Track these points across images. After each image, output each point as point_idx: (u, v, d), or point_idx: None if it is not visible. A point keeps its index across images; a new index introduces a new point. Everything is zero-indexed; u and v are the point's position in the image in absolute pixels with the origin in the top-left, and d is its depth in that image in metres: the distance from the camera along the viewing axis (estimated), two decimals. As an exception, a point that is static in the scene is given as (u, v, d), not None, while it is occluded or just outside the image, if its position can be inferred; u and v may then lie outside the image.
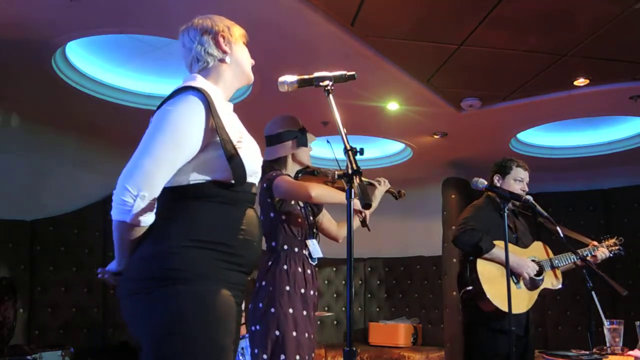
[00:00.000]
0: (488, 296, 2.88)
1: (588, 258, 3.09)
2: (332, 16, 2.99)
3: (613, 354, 2.72)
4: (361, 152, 1.65)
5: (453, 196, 5.64)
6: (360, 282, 6.61)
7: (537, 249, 3.18)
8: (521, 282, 3.01)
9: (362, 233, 2.51)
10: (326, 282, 6.49)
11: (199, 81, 1.64)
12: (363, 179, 2.66)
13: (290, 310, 2.40)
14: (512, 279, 2.98)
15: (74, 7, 2.82)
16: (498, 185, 3.15)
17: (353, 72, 1.82)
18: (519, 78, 3.80)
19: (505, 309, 2.69)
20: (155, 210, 1.52)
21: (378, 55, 3.41)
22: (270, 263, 2.46)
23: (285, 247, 2.49)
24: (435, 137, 4.92)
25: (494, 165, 3.26)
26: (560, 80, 3.78)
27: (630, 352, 2.71)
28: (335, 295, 6.53)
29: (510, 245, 3.04)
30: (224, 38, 1.69)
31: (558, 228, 2.98)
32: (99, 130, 4.83)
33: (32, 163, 4.66)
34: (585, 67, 3.60)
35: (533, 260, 3.06)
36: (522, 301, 2.98)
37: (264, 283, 2.45)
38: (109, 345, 4.88)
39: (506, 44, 3.31)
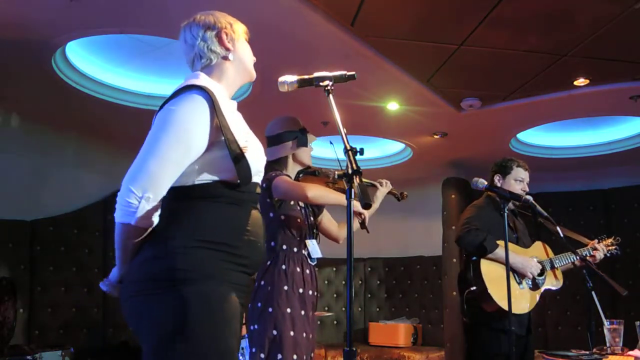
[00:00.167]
0: (492, 296, 2.88)
1: (587, 258, 3.09)
2: (332, 16, 2.99)
3: (613, 354, 2.72)
4: (361, 152, 1.65)
5: (453, 196, 5.64)
6: (360, 282, 6.61)
7: (538, 249, 3.18)
8: (524, 282, 3.01)
9: (363, 233, 2.51)
10: (326, 282, 6.49)
11: (202, 79, 1.61)
12: (365, 180, 2.70)
13: (288, 310, 2.41)
14: (515, 279, 2.99)
15: (74, 7, 2.82)
16: (498, 185, 3.15)
17: (353, 72, 1.82)
18: (519, 78, 3.80)
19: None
20: (159, 212, 1.49)
21: (378, 55, 3.41)
22: (269, 263, 2.47)
23: (284, 247, 2.50)
24: (435, 137, 4.92)
25: (494, 165, 3.26)
26: (560, 80, 3.78)
27: (630, 352, 2.71)
28: (335, 295, 6.53)
29: (512, 245, 3.04)
30: (226, 35, 1.67)
31: (558, 228, 2.98)
32: (99, 130, 4.83)
33: (32, 163, 4.67)
34: (585, 67, 3.60)
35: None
36: (525, 301, 2.98)
37: (262, 283, 2.45)
38: (109, 345, 4.88)
39: (506, 44, 3.31)
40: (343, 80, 1.81)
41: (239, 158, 1.54)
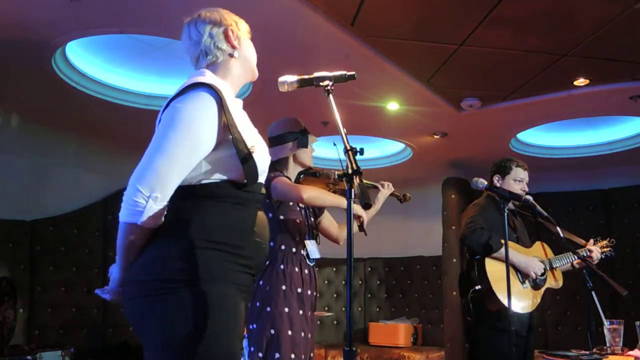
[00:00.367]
0: (497, 295, 2.88)
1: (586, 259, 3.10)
2: (332, 16, 2.99)
3: (613, 354, 2.72)
4: (361, 152, 1.65)
5: (453, 196, 5.63)
6: (360, 282, 6.61)
7: (538, 249, 3.18)
8: (527, 282, 3.02)
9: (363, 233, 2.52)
10: (326, 282, 6.49)
11: (208, 77, 1.59)
12: (368, 182, 2.70)
13: (286, 310, 2.42)
14: (518, 278, 3.00)
15: (74, 7, 2.82)
16: (498, 185, 3.15)
17: (353, 72, 1.82)
18: (519, 78, 3.80)
19: (514, 308, 2.70)
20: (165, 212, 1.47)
21: (378, 55, 3.41)
22: (267, 262, 2.48)
23: (283, 247, 2.51)
24: (435, 137, 4.92)
25: (493, 165, 3.26)
26: (560, 80, 3.78)
27: (630, 352, 2.71)
28: (335, 295, 6.53)
29: (515, 245, 3.05)
30: (233, 32, 1.66)
31: (558, 228, 2.98)
32: (99, 130, 4.83)
33: (32, 163, 4.67)
34: (585, 67, 3.60)
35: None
36: (529, 301, 2.99)
37: (261, 282, 2.46)
38: (109, 345, 4.88)
39: (506, 44, 3.31)
40: (343, 80, 1.81)
41: (246, 158, 1.52)
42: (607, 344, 2.79)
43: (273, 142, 2.61)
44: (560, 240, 3.02)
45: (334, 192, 2.60)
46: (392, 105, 4.21)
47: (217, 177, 1.52)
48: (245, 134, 1.55)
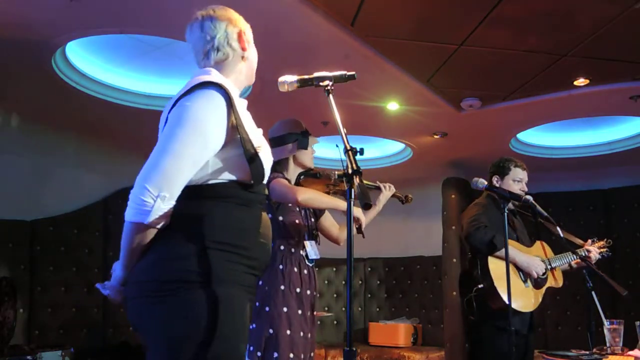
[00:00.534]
0: (500, 293, 2.88)
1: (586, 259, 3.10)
2: (332, 16, 2.99)
3: (613, 354, 2.72)
4: (361, 152, 1.65)
5: (453, 196, 5.63)
6: (360, 282, 6.61)
7: (539, 249, 3.19)
8: (529, 281, 3.02)
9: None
10: (326, 282, 6.49)
11: (215, 75, 1.58)
12: (369, 183, 2.70)
13: (284, 309, 2.43)
14: (520, 277, 3.00)
15: (74, 7, 2.82)
16: (497, 186, 3.15)
17: (353, 72, 1.82)
18: (519, 78, 3.80)
19: (516, 306, 2.70)
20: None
21: (378, 55, 3.41)
22: (267, 263, 2.48)
23: (282, 247, 2.51)
24: (435, 137, 4.92)
25: (492, 166, 3.26)
26: (560, 80, 3.78)
27: (630, 352, 2.72)
28: (335, 295, 6.53)
29: (517, 244, 3.05)
30: (245, 34, 1.67)
31: (558, 228, 2.98)
32: (99, 130, 4.83)
33: (32, 163, 4.66)
34: (585, 67, 3.60)
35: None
36: (530, 299, 2.99)
37: (260, 282, 2.47)
38: (109, 345, 4.88)
39: (506, 44, 3.31)
40: (343, 80, 1.81)
41: (253, 158, 1.51)
42: (607, 344, 2.79)
43: (274, 143, 2.61)
44: (560, 240, 3.02)
45: (335, 192, 2.61)
46: (392, 105, 4.21)
47: (224, 177, 1.51)
48: (252, 135, 1.55)
